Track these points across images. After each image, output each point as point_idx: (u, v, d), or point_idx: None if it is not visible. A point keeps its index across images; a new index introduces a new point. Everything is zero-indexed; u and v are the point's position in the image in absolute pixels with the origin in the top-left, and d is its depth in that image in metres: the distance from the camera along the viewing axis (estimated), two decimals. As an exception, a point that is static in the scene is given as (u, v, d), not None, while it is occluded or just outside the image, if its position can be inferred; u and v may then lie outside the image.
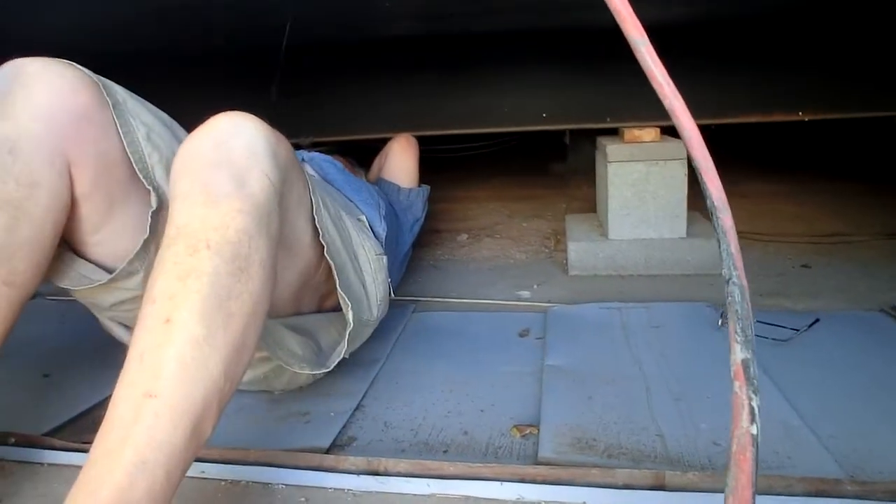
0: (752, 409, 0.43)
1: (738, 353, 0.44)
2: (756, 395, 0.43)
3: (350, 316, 1.18)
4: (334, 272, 1.15)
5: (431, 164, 2.50)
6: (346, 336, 1.19)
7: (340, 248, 1.21)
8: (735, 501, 0.44)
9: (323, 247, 1.13)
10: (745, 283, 0.44)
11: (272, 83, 2.35)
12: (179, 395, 0.73)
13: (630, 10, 0.46)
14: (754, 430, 0.44)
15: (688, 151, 0.45)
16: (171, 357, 0.73)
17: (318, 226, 1.12)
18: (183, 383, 0.73)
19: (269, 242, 0.86)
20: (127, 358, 0.75)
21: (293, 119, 2.59)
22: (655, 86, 0.46)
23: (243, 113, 0.91)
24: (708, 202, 0.45)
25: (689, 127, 0.45)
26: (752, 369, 0.43)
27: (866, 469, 1.01)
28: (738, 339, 0.44)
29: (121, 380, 0.74)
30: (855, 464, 1.02)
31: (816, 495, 0.92)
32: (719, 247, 0.44)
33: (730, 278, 0.44)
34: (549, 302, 1.83)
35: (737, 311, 0.44)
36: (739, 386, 0.43)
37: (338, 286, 1.16)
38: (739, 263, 0.44)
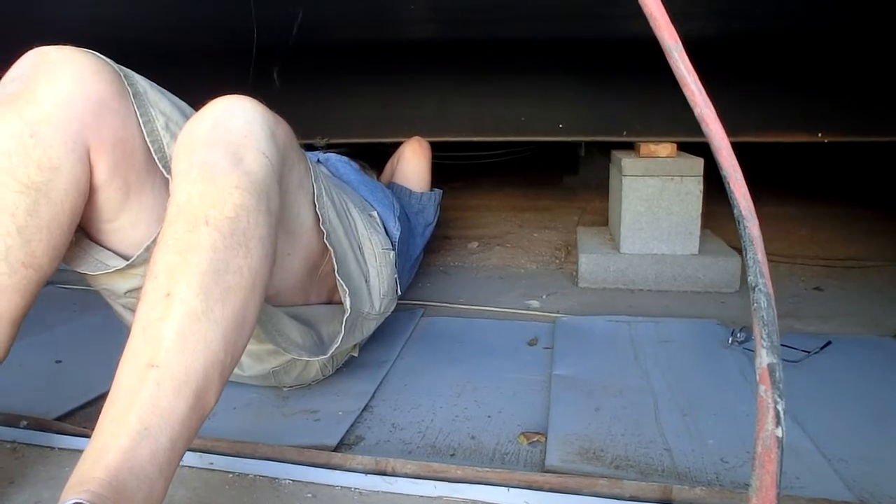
0: (777, 412, 0.43)
1: (765, 358, 0.44)
2: (781, 398, 0.43)
3: (347, 302, 1.19)
4: (333, 259, 1.16)
5: (445, 172, 2.50)
6: (344, 323, 1.19)
7: (342, 237, 1.23)
8: (759, 501, 0.44)
9: (325, 234, 1.15)
10: (770, 290, 0.44)
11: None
12: (180, 365, 0.75)
13: (665, 15, 0.46)
14: (779, 432, 0.44)
15: (717, 160, 0.45)
16: (171, 329, 0.75)
17: (318, 212, 1.13)
18: (183, 354, 0.75)
19: (269, 219, 0.88)
20: (131, 332, 0.78)
21: (308, 120, 2.59)
22: (687, 93, 0.46)
23: (241, 95, 0.93)
24: (735, 211, 0.46)
25: (719, 135, 0.45)
26: (777, 373, 0.44)
27: (876, 494, 1.00)
28: (765, 344, 0.44)
29: (125, 352, 0.77)
30: (865, 488, 1.02)
31: (825, 516, 0.92)
32: (745, 255, 0.44)
33: (756, 286, 0.44)
34: (557, 313, 1.83)
35: (762, 317, 0.44)
36: (765, 390, 0.44)
37: (336, 272, 1.17)
38: (766, 271, 0.44)
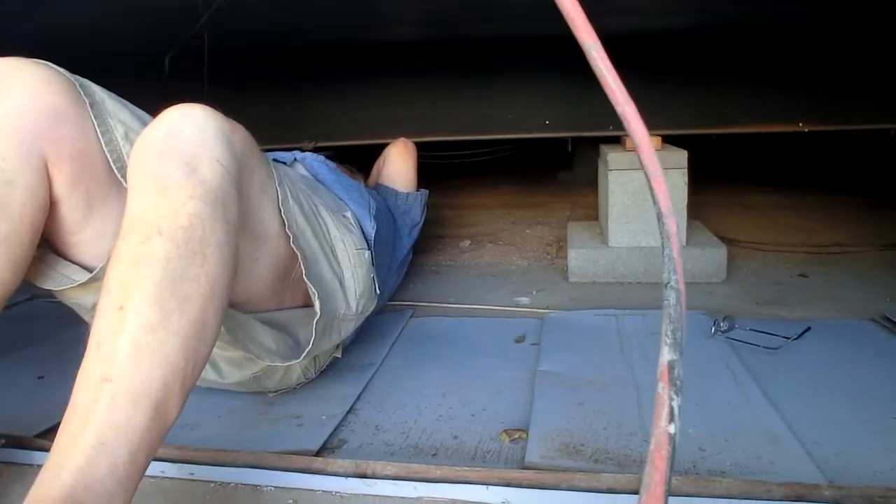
0: (671, 409, 0.44)
1: (666, 355, 0.45)
2: (678, 395, 0.44)
3: (317, 305, 1.18)
4: (301, 262, 1.15)
5: (437, 171, 2.51)
6: (314, 326, 1.19)
7: (311, 239, 1.22)
8: (648, 499, 0.45)
9: (291, 238, 1.14)
10: (682, 287, 0.45)
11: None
12: (136, 378, 0.74)
13: (582, 14, 0.47)
14: (672, 429, 0.45)
15: (638, 157, 0.46)
16: (125, 342, 0.75)
17: (283, 216, 1.13)
18: (138, 367, 0.75)
19: (226, 227, 0.87)
20: (87, 348, 0.77)
21: (295, 124, 2.61)
22: (608, 91, 0.47)
23: (195, 104, 0.93)
24: (655, 208, 0.46)
25: (640, 133, 0.46)
26: (676, 371, 0.44)
27: (846, 475, 1.02)
28: (668, 341, 0.45)
29: (81, 368, 0.76)
30: (836, 470, 1.03)
31: (795, 500, 0.93)
32: (662, 251, 0.45)
33: (668, 282, 0.45)
34: (546, 308, 1.83)
35: (670, 314, 0.45)
36: (663, 387, 0.44)
37: (304, 275, 1.16)
38: (679, 269, 0.45)
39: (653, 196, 0.46)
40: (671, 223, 0.45)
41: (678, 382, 0.44)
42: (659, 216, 0.46)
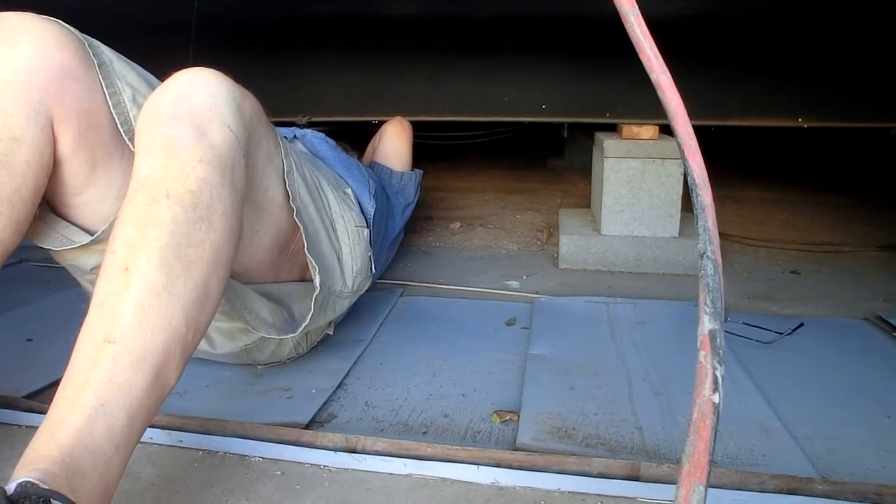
0: (715, 377, 0.43)
1: (707, 324, 0.44)
2: (721, 364, 0.43)
3: (317, 280, 1.18)
4: (303, 236, 1.15)
5: (429, 152, 2.49)
6: (314, 300, 1.18)
7: (313, 214, 1.21)
8: (691, 467, 0.44)
9: (295, 211, 1.13)
10: (719, 258, 0.44)
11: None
12: (138, 340, 0.73)
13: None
14: (716, 398, 0.44)
15: (672, 127, 0.45)
16: (129, 304, 0.74)
17: (288, 189, 1.12)
18: (141, 329, 0.74)
19: (233, 193, 0.86)
20: (89, 307, 0.76)
21: (289, 98, 2.58)
22: (643, 58, 0.46)
23: (207, 68, 0.91)
24: (689, 179, 0.45)
25: (674, 103, 0.45)
26: (718, 340, 0.43)
27: (838, 470, 1.02)
28: (708, 310, 0.43)
29: (82, 328, 0.75)
30: (828, 464, 1.03)
31: (788, 492, 0.93)
32: (696, 223, 0.44)
33: (704, 253, 0.44)
34: (537, 293, 1.82)
35: (708, 283, 0.43)
36: (705, 355, 0.43)
37: (305, 249, 1.15)
38: (716, 240, 0.44)
39: (686, 167, 0.44)
40: (706, 195, 0.44)
41: (720, 351, 0.42)
42: (692, 187, 0.45)
